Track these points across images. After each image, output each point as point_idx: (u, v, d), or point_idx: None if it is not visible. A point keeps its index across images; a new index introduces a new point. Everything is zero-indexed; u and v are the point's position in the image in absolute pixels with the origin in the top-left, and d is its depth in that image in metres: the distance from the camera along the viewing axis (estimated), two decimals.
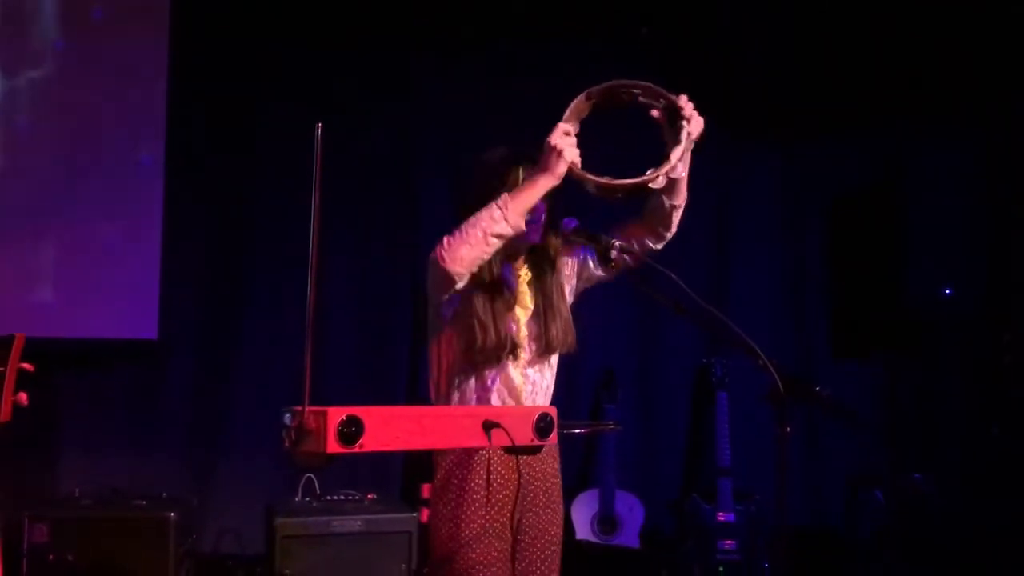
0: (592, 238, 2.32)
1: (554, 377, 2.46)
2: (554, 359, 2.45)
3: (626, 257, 2.33)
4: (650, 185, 2.18)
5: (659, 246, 2.42)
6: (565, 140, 2.17)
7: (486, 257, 2.18)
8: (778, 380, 2.03)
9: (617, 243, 2.30)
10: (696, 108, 2.27)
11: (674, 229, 2.41)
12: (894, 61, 4.86)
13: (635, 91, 2.26)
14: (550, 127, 2.20)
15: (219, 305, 4.39)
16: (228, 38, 4.38)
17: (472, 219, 2.15)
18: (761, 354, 2.04)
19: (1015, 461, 4.61)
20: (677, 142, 2.21)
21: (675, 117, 2.24)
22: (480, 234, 2.13)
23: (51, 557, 3.39)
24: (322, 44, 4.50)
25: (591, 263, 2.47)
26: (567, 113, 2.24)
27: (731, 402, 4.66)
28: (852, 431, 4.84)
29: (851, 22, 4.75)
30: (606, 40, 4.78)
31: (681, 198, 2.36)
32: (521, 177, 2.28)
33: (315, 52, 4.49)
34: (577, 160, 2.18)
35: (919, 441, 4.92)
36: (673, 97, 2.24)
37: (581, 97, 2.25)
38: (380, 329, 4.46)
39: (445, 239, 2.16)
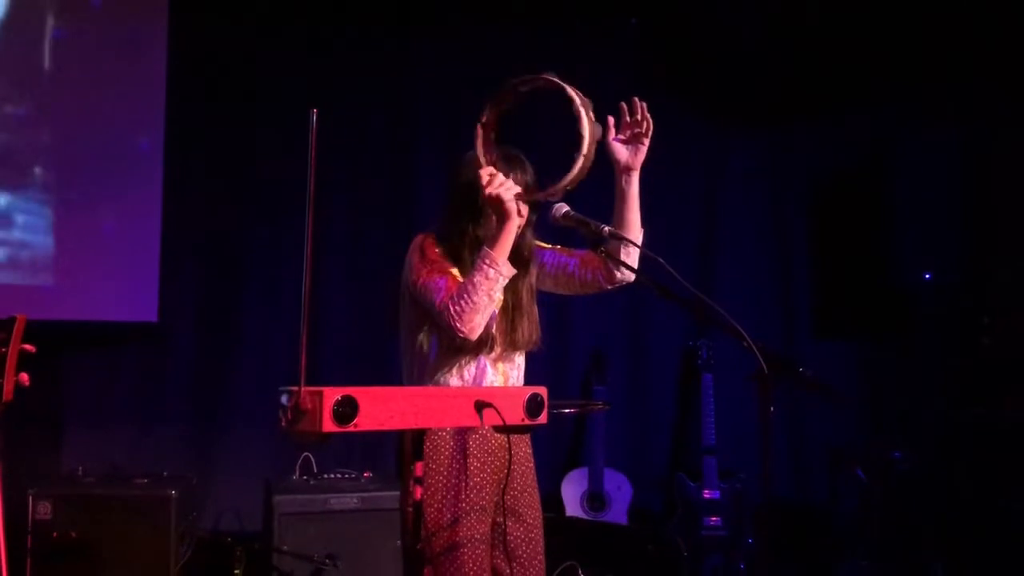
0: (581, 222, 2.32)
1: (523, 369, 2.47)
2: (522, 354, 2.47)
3: (614, 271, 2.35)
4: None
5: (610, 286, 2.46)
6: (496, 185, 2.20)
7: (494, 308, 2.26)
8: (762, 361, 2.03)
9: (606, 228, 2.30)
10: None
11: (627, 272, 2.41)
12: (878, 46, 4.85)
13: (520, 88, 2.29)
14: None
15: (218, 288, 4.37)
16: (226, 22, 4.33)
17: (470, 286, 2.19)
18: (746, 336, 2.04)
19: (992, 439, 4.63)
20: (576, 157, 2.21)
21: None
22: (487, 298, 2.20)
23: (55, 534, 3.38)
24: (320, 28, 4.47)
25: (549, 273, 2.50)
26: (481, 157, 2.27)
27: (716, 383, 4.67)
28: (834, 410, 4.85)
29: (835, 7, 4.73)
30: (596, 27, 4.77)
31: (630, 231, 2.38)
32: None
33: (313, 36, 4.46)
34: (517, 189, 2.23)
35: (899, 420, 4.94)
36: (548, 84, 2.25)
37: (478, 131, 2.30)
38: (375, 312, 4.45)
39: (452, 308, 2.18)
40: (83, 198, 4.08)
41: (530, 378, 2.47)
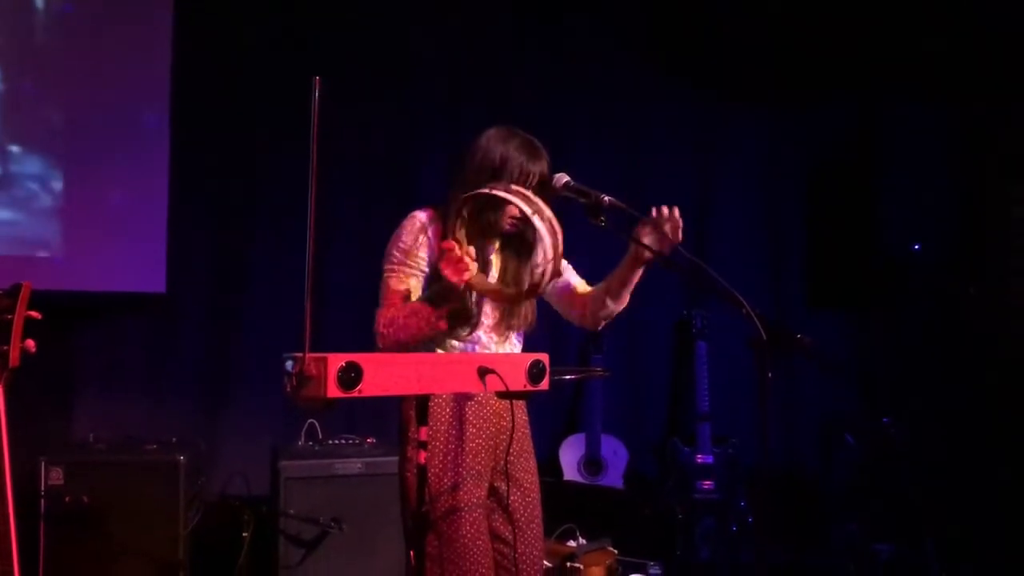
0: (582, 192, 2.27)
1: (521, 349, 2.43)
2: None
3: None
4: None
5: (577, 324, 2.49)
6: (451, 263, 2.05)
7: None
8: (761, 328, 1.99)
9: (607, 198, 2.25)
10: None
11: (596, 324, 2.46)
12: (871, 29, 4.79)
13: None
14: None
15: (225, 260, 4.32)
16: (231, 3, 4.26)
17: (402, 326, 2.15)
18: (745, 304, 2.01)
19: (978, 406, 4.62)
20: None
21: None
22: (411, 340, 2.16)
23: (67, 499, 3.34)
24: (327, 11, 4.39)
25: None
26: (450, 228, 2.19)
27: (710, 352, 4.64)
28: (826, 377, 4.84)
29: None
30: (596, 10, 4.69)
31: (619, 303, 2.40)
32: (513, 158, 2.24)
33: (318, 16, 4.38)
34: (471, 271, 2.08)
35: (888, 388, 4.93)
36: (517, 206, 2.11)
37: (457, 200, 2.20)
38: (378, 281, 4.39)
39: (382, 330, 2.18)
40: (92, 170, 4.00)
41: (528, 348, 2.43)
